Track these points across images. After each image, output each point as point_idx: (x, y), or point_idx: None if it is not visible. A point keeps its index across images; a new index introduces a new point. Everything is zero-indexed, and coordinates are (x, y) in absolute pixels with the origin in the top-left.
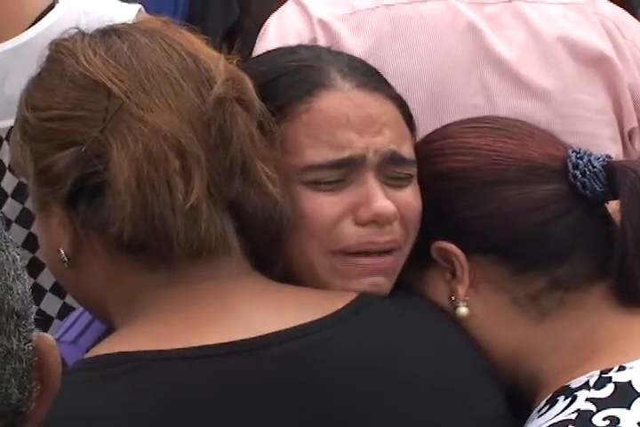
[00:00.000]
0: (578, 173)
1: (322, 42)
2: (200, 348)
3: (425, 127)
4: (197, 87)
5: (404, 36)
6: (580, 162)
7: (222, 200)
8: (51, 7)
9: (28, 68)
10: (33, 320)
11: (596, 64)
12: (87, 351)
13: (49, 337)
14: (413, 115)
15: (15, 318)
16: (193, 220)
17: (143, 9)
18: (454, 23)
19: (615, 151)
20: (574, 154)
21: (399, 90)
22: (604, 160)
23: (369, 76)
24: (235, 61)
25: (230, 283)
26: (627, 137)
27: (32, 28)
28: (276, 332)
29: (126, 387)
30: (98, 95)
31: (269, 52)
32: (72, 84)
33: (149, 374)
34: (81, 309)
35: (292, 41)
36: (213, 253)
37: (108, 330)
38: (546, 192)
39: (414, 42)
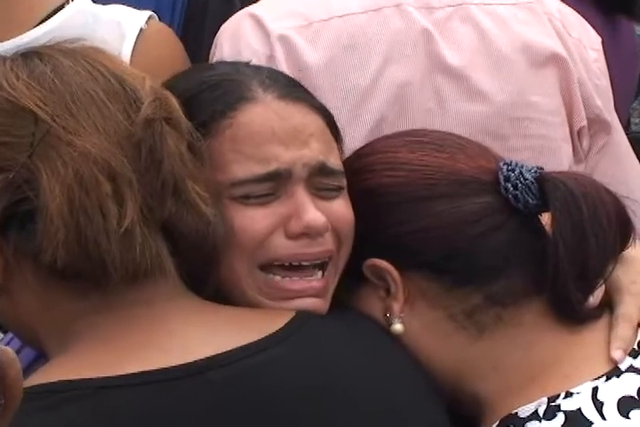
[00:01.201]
0: (509, 185)
1: (280, 57)
2: (135, 375)
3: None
4: (124, 108)
5: (360, 48)
6: (512, 174)
7: (155, 222)
8: (60, 7)
9: None
10: None
11: (549, 64)
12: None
13: (9, 350)
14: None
15: None
16: (127, 244)
17: (155, 16)
18: (408, 31)
19: (568, 152)
20: (505, 166)
21: (355, 101)
22: (535, 172)
23: (291, 87)
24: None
25: (166, 306)
26: (576, 136)
27: (37, 27)
28: (215, 355)
29: (62, 418)
30: (24, 120)
31: (189, 69)
32: None
33: (84, 404)
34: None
35: (248, 58)
36: (149, 276)
37: (40, 356)
38: (478, 205)
39: (371, 53)
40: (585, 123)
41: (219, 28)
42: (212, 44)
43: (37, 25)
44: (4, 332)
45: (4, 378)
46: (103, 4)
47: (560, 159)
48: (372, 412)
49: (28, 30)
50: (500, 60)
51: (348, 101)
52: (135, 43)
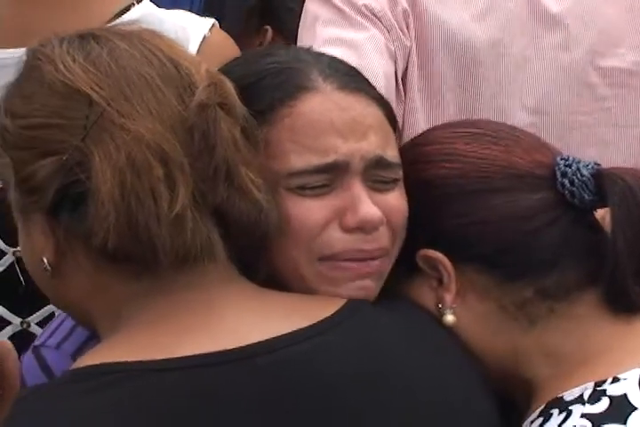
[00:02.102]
0: (566, 181)
1: None
2: (185, 358)
3: (485, 76)
4: (179, 93)
5: None
6: (569, 170)
7: (207, 207)
8: (126, 9)
9: None
10: None
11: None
12: (72, 356)
13: (6, 341)
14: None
15: None
16: (178, 228)
17: (217, 23)
18: None
19: None
20: (562, 161)
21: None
22: (592, 168)
23: (351, 77)
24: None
25: (217, 290)
26: None
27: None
28: (264, 341)
29: (112, 399)
30: (78, 103)
31: (246, 55)
32: (51, 91)
33: (134, 386)
34: (65, 314)
35: None
36: (199, 260)
37: (93, 335)
38: (534, 201)
39: None
40: None
41: (237, 15)
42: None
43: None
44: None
45: (1, 369)
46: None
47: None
48: (430, 401)
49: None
50: (594, 10)
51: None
52: (198, 49)
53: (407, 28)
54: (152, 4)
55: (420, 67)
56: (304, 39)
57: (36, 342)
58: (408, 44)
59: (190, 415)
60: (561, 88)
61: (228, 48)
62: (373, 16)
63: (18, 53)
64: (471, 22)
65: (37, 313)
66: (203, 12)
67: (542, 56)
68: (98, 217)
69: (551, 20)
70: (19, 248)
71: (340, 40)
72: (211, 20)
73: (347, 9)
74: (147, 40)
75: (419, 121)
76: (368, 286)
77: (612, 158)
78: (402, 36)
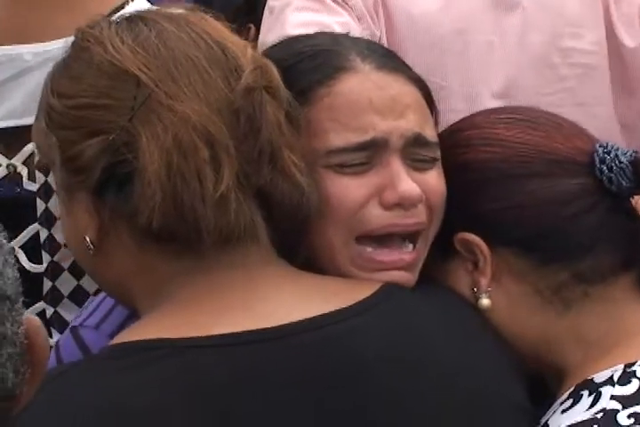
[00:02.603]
0: (605, 167)
1: None
2: (225, 336)
3: (453, 64)
4: (225, 76)
5: None
6: (607, 156)
7: (251, 189)
8: (121, 7)
9: None
10: (22, 304)
11: None
12: (110, 336)
13: (35, 318)
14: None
15: (8, 302)
16: (222, 209)
17: None
18: None
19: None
20: (601, 148)
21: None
22: (631, 155)
23: (388, 58)
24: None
25: (258, 270)
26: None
27: None
28: (302, 320)
29: (152, 375)
30: (126, 84)
31: (287, 39)
32: (99, 72)
33: (174, 362)
34: (103, 294)
35: None
36: (242, 241)
37: (131, 315)
38: (572, 186)
39: None
40: None
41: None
42: None
43: None
44: (95, 293)
45: (31, 346)
46: None
47: (602, 88)
48: (465, 388)
49: None
50: None
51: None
52: None
53: (377, 16)
54: (146, 1)
55: None
56: (271, 26)
57: (75, 322)
58: (378, 34)
59: (231, 392)
60: (525, 71)
61: None
62: (345, 4)
63: (14, 51)
64: (437, 11)
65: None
66: None
67: (505, 40)
68: (144, 197)
69: (510, 4)
70: None
71: (312, 23)
72: None
73: None
74: (194, 23)
75: None
76: (404, 277)
77: None
78: (372, 26)
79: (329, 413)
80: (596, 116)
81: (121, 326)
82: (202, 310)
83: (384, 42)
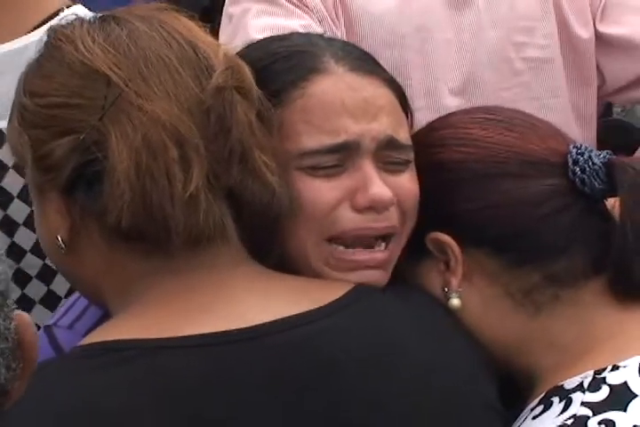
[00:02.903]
0: (577, 169)
1: None
2: (196, 337)
3: (413, 61)
4: (196, 75)
5: None
6: (581, 158)
7: (221, 189)
8: (55, 14)
9: (15, 72)
10: (13, 300)
11: None
12: (84, 336)
13: (25, 315)
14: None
15: (0, 298)
16: (192, 209)
17: None
18: None
19: (561, 69)
20: (575, 149)
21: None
22: (604, 157)
23: (363, 60)
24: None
25: (228, 271)
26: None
27: (30, 33)
28: (273, 321)
29: (122, 376)
30: (97, 83)
31: (262, 40)
32: (71, 71)
33: (144, 363)
34: (77, 294)
35: None
36: (212, 241)
37: (105, 315)
38: (545, 187)
39: None
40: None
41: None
42: None
43: (31, 31)
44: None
45: (21, 342)
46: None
47: (556, 80)
48: (439, 387)
49: (20, 36)
50: None
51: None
52: None
53: (337, 17)
54: (83, 8)
55: None
56: (233, 33)
57: (49, 322)
58: (339, 35)
59: (201, 394)
60: (482, 67)
61: None
62: (305, 7)
63: None
64: (395, 8)
65: None
66: None
67: (461, 37)
68: (113, 196)
69: (463, 1)
70: None
71: (275, 27)
72: None
73: (280, 0)
74: (166, 22)
75: None
76: (376, 276)
77: None
78: (333, 27)
79: (299, 415)
80: (551, 109)
81: (95, 326)
82: (172, 310)
83: None
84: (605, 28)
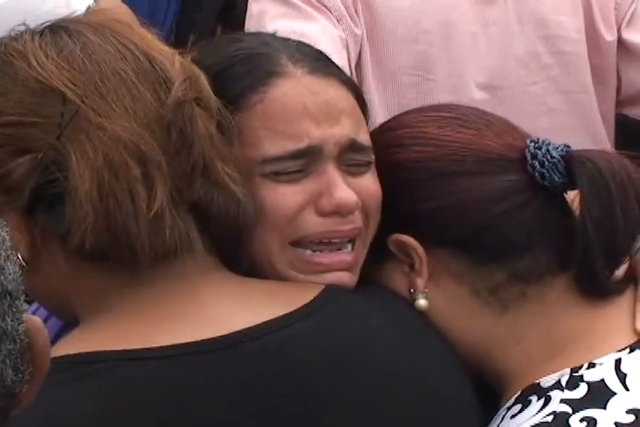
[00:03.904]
0: (536, 163)
1: None
2: (168, 347)
3: (438, 57)
4: (154, 89)
5: None
6: (539, 152)
7: (184, 203)
8: None
9: None
10: (23, 301)
11: None
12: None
13: (37, 319)
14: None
15: (8, 298)
16: (157, 227)
17: None
18: None
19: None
20: (532, 144)
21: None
22: (562, 150)
23: (321, 61)
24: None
25: (198, 280)
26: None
27: None
28: (246, 329)
29: (90, 390)
30: (53, 100)
31: (215, 42)
32: (25, 88)
33: (112, 376)
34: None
35: None
36: (178, 255)
37: (66, 324)
38: (504, 183)
39: None
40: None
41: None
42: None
43: None
44: (30, 302)
45: (32, 346)
46: None
47: (584, 75)
48: (412, 386)
49: None
50: None
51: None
52: None
53: (357, 15)
54: None
55: (373, 53)
56: None
57: None
58: (359, 33)
59: (174, 404)
60: (509, 61)
61: (120, 14)
62: (323, 7)
63: None
64: (419, 3)
65: None
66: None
67: (488, 31)
68: (76, 218)
69: None
70: None
71: (291, 31)
72: None
73: (296, 1)
74: (119, 33)
75: (377, 114)
76: (344, 278)
77: (562, 125)
78: (352, 25)
79: (279, 419)
80: (580, 104)
81: (57, 336)
82: (142, 321)
83: (365, 40)
84: (630, 35)
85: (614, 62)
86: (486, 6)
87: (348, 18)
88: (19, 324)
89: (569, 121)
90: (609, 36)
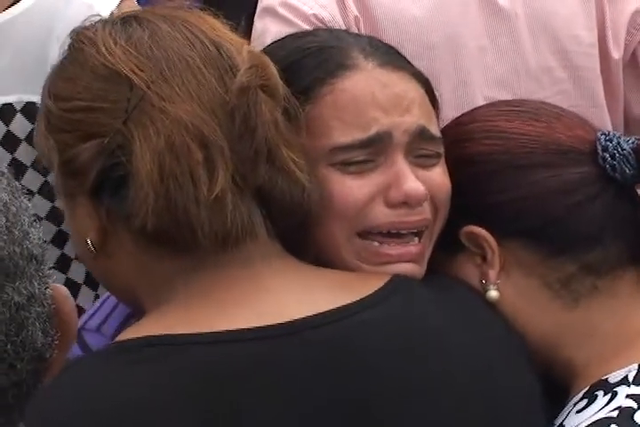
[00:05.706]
0: (607, 155)
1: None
2: (231, 332)
3: (444, 70)
4: (220, 75)
5: None
6: (610, 144)
7: (248, 189)
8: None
9: (7, 47)
10: (48, 268)
11: None
12: (111, 338)
13: (62, 287)
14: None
15: (34, 262)
16: (217, 211)
17: None
18: None
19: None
20: (603, 136)
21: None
22: (633, 142)
23: (391, 55)
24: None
25: (262, 266)
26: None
27: (9, 8)
28: (310, 316)
29: (156, 370)
30: (119, 86)
31: (287, 36)
32: (93, 74)
33: (178, 358)
34: (104, 297)
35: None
36: (240, 240)
37: (131, 315)
38: (575, 175)
39: None
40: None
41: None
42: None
43: (9, 7)
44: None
45: (59, 312)
46: None
47: (596, 89)
48: (474, 379)
49: (3, 9)
50: None
51: (404, 35)
52: None
53: (358, 31)
54: None
55: None
56: None
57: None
58: None
59: (233, 389)
60: (519, 75)
61: None
62: (324, 26)
63: None
64: (425, 18)
65: None
66: None
67: (497, 42)
68: (137, 199)
69: (501, 8)
70: None
71: None
72: None
73: (296, 20)
74: (189, 22)
75: None
76: (412, 269)
77: None
78: None
79: (344, 406)
80: (592, 119)
81: (121, 326)
82: (204, 306)
83: None
84: None
85: (621, 81)
86: (496, 19)
87: None
88: (45, 288)
89: None
90: (616, 54)
